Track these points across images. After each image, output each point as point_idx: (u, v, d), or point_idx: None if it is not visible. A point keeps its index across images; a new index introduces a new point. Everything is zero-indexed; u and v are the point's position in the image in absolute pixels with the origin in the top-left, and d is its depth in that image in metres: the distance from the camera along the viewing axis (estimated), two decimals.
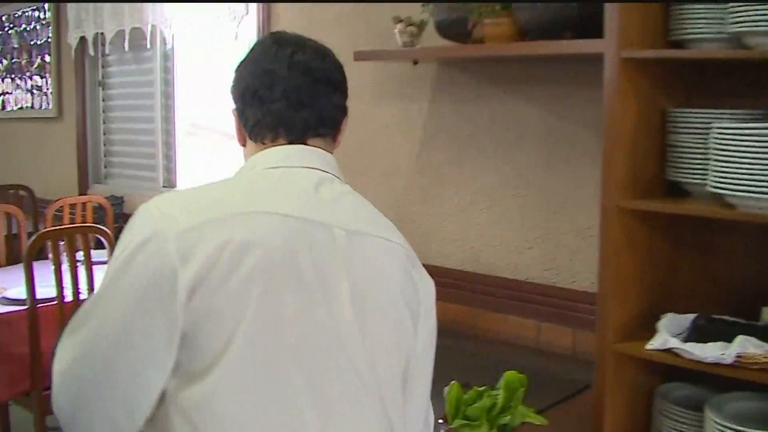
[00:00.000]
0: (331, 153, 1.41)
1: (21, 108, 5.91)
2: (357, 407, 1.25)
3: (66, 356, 1.22)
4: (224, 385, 1.16)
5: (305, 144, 1.36)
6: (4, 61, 6.07)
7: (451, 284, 3.08)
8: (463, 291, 3.05)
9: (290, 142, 1.35)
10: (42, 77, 5.63)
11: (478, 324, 3.02)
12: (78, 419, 1.24)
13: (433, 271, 3.07)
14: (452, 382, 1.97)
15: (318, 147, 1.37)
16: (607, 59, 2.00)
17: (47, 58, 5.57)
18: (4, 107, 6.11)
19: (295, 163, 1.33)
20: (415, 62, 3.00)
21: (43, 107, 5.65)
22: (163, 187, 4.64)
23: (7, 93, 6.06)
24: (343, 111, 1.41)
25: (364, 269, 1.27)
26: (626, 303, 2.10)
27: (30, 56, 5.76)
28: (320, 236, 1.24)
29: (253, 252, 1.18)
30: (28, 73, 5.78)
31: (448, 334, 2.94)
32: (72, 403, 1.23)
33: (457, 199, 3.08)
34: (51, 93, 5.55)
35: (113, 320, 1.19)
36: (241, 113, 1.39)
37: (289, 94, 1.33)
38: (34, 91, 5.73)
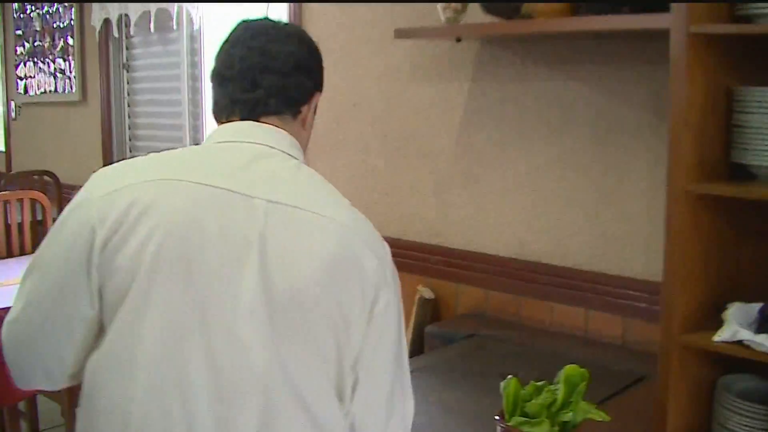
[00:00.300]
0: (298, 130, 1.45)
1: (44, 92, 5.82)
2: (252, 386, 1.23)
3: (16, 304, 1.33)
4: (116, 344, 1.24)
5: (258, 121, 1.39)
6: (27, 45, 5.99)
7: (493, 271, 3.00)
8: (506, 278, 2.96)
9: (243, 120, 1.40)
10: (65, 60, 5.54)
11: (522, 313, 2.93)
12: (20, 364, 1.36)
13: (474, 257, 3.17)
14: (509, 376, 1.86)
15: (273, 125, 1.40)
16: (674, 35, 1.88)
17: (70, 41, 5.48)
18: (26, 91, 6.03)
19: (240, 138, 1.37)
20: (458, 39, 2.89)
21: (66, 91, 5.56)
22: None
23: (30, 77, 5.98)
24: (303, 91, 1.44)
25: (282, 241, 1.24)
26: (692, 292, 1.99)
27: (53, 39, 5.67)
28: (235, 205, 1.25)
29: (153, 213, 1.23)
30: (51, 57, 5.70)
31: (491, 324, 2.96)
32: (15, 348, 1.35)
33: (500, 183, 2.98)
34: (74, 76, 5.46)
35: (48, 276, 1.30)
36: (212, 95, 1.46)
37: (245, 75, 1.39)
38: (58, 75, 5.64)
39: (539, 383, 1.88)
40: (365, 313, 1.29)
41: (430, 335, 2.87)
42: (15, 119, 6.25)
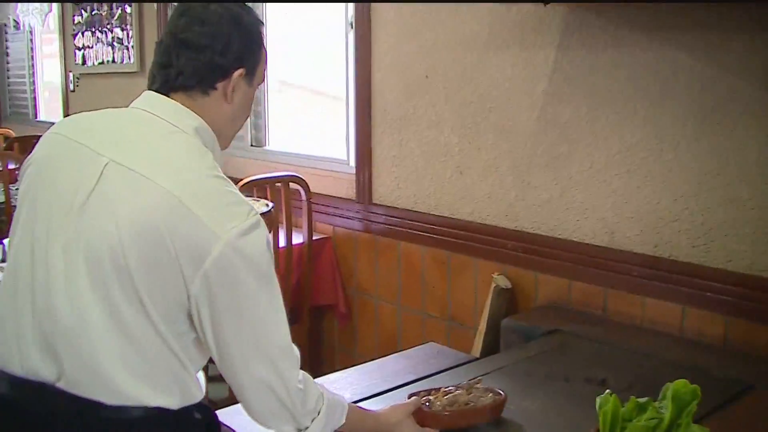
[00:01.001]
0: (214, 105, 1.55)
1: (102, 62, 5.73)
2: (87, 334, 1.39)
3: None
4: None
5: (168, 95, 1.53)
6: (84, 13, 5.87)
7: (578, 260, 2.77)
8: (592, 268, 2.73)
9: (154, 91, 1.55)
10: (123, 30, 5.42)
11: (609, 307, 2.70)
12: None
13: (557, 244, 2.92)
14: (607, 392, 1.60)
15: (179, 100, 1.52)
16: None
17: (128, 9, 5.35)
18: (85, 62, 5.93)
19: (138, 105, 1.54)
20: (545, 2, 2.61)
21: (124, 61, 5.45)
22: (252, 146, 4.37)
23: (88, 47, 5.87)
24: (216, 68, 1.52)
25: (105, 197, 1.38)
26: None
27: (111, 7, 5.54)
28: (85, 160, 1.42)
29: (36, 159, 1.51)
30: (108, 26, 5.58)
31: (574, 318, 2.68)
32: None
33: (587, 163, 2.73)
34: (132, 46, 5.34)
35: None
36: None
37: (163, 53, 1.54)
38: (115, 44, 5.53)
39: (642, 400, 1.63)
40: (196, 273, 1.36)
41: (507, 329, 2.66)
42: (73, 91, 6.17)
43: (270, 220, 3.26)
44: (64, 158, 1.46)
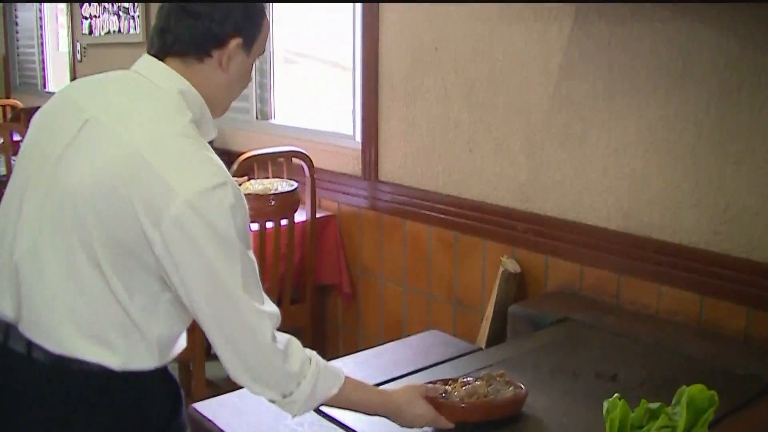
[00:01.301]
0: (209, 72, 1.55)
1: (108, 32, 5.64)
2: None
3: None
4: None
5: (164, 60, 1.55)
6: None
7: (591, 244, 2.65)
8: (606, 253, 2.62)
9: (151, 54, 1.57)
10: None
11: (623, 294, 2.59)
12: None
13: (569, 227, 2.78)
14: (615, 396, 1.48)
15: (173, 65, 1.54)
16: None
17: None
18: (91, 32, 5.85)
19: (134, 67, 1.57)
20: None
21: (130, 31, 5.37)
22: (257, 119, 4.26)
23: (95, 16, 5.79)
24: (211, 36, 1.53)
25: (79, 149, 1.44)
26: None
27: None
28: (71, 115, 1.48)
29: (37, 114, 1.58)
30: None
31: (585, 306, 2.55)
32: None
33: (603, 142, 2.60)
34: (138, 16, 5.26)
35: None
36: None
37: (162, 20, 1.55)
38: (121, 14, 5.44)
39: (654, 406, 1.51)
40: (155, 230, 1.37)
41: (515, 316, 2.55)
42: (80, 61, 6.10)
43: (293, 199, 3.23)
44: (54, 114, 1.54)
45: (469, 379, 1.75)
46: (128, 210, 1.37)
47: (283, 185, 3.25)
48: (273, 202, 3.17)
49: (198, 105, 1.54)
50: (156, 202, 1.36)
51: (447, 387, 1.71)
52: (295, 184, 3.23)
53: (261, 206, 3.10)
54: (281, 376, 1.47)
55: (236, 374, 1.46)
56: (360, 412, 1.64)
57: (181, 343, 1.57)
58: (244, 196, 1.45)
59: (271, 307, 1.48)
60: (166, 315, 1.47)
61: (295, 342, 1.52)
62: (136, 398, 1.48)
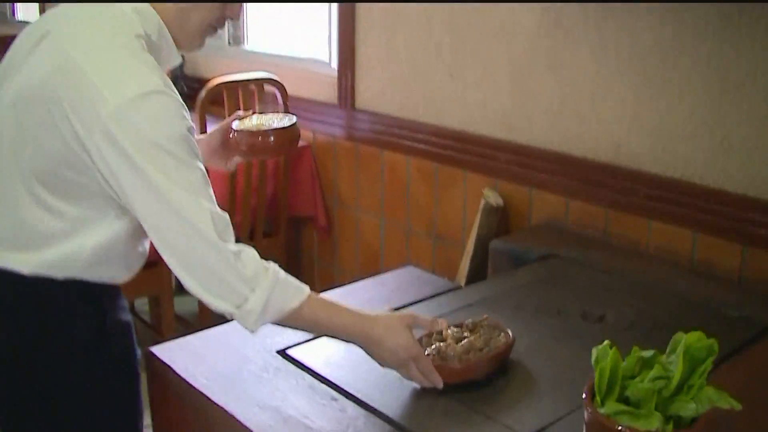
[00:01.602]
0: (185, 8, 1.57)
1: None
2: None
3: None
4: None
5: None
6: None
7: (578, 176, 2.55)
8: (594, 186, 2.52)
9: None
10: None
11: (611, 229, 2.49)
12: None
13: (556, 158, 2.61)
14: (606, 342, 1.35)
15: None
16: None
17: None
18: None
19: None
20: None
21: None
22: (229, 44, 4.09)
23: None
24: None
25: (31, 64, 1.47)
26: None
27: None
28: (35, 33, 1.51)
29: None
30: None
31: (571, 241, 2.43)
32: None
33: (593, 69, 2.47)
34: None
35: None
36: None
37: None
38: None
39: (647, 354, 1.38)
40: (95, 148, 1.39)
41: (496, 252, 2.44)
42: None
43: (293, 134, 3.09)
44: (25, 32, 1.57)
45: (454, 329, 1.63)
46: (63, 119, 1.39)
47: (276, 119, 3.11)
48: (272, 138, 3.02)
49: (154, 24, 1.52)
50: (88, 109, 1.38)
51: (440, 344, 1.59)
52: (295, 119, 3.09)
53: (256, 142, 2.97)
54: (233, 281, 1.40)
55: (188, 284, 1.42)
56: (330, 335, 1.53)
57: (131, 265, 1.59)
58: (182, 105, 1.44)
59: (221, 212, 1.44)
60: (108, 226, 1.49)
61: (252, 251, 1.45)
62: (45, 307, 1.50)
